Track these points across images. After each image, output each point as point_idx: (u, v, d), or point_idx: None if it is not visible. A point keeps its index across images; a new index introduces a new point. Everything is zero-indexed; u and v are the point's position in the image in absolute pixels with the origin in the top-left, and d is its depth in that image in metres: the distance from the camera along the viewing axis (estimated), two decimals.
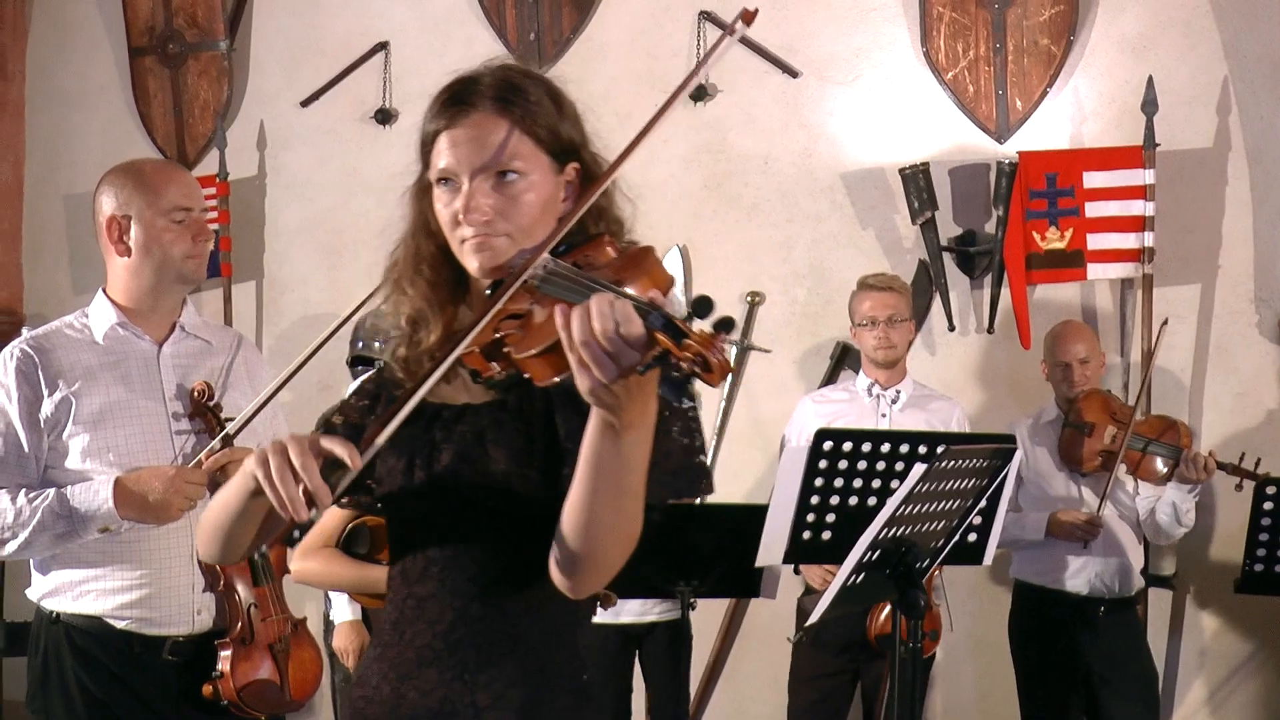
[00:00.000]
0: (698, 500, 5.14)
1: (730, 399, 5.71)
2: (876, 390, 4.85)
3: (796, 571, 4.75)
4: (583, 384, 1.57)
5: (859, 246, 5.59)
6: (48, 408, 3.12)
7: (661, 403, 1.70)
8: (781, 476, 3.51)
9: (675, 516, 4.52)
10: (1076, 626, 4.76)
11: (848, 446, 3.42)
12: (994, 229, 5.35)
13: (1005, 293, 5.33)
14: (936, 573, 4.53)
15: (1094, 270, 5.20)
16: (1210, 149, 5.25)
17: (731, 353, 5.68)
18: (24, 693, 3.28)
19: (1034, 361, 5.05)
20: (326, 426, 2.05)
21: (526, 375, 1.72)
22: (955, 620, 5.01)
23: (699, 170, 5.82)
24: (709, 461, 5.63)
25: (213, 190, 6.09)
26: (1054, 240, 5.20)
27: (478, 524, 1.92)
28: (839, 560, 3.13)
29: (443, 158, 1.90)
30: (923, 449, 3.41)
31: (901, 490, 3.04)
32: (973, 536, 3.50)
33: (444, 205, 1.91)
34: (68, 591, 3.19)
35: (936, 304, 5.48)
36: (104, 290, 3.30)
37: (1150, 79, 5.11)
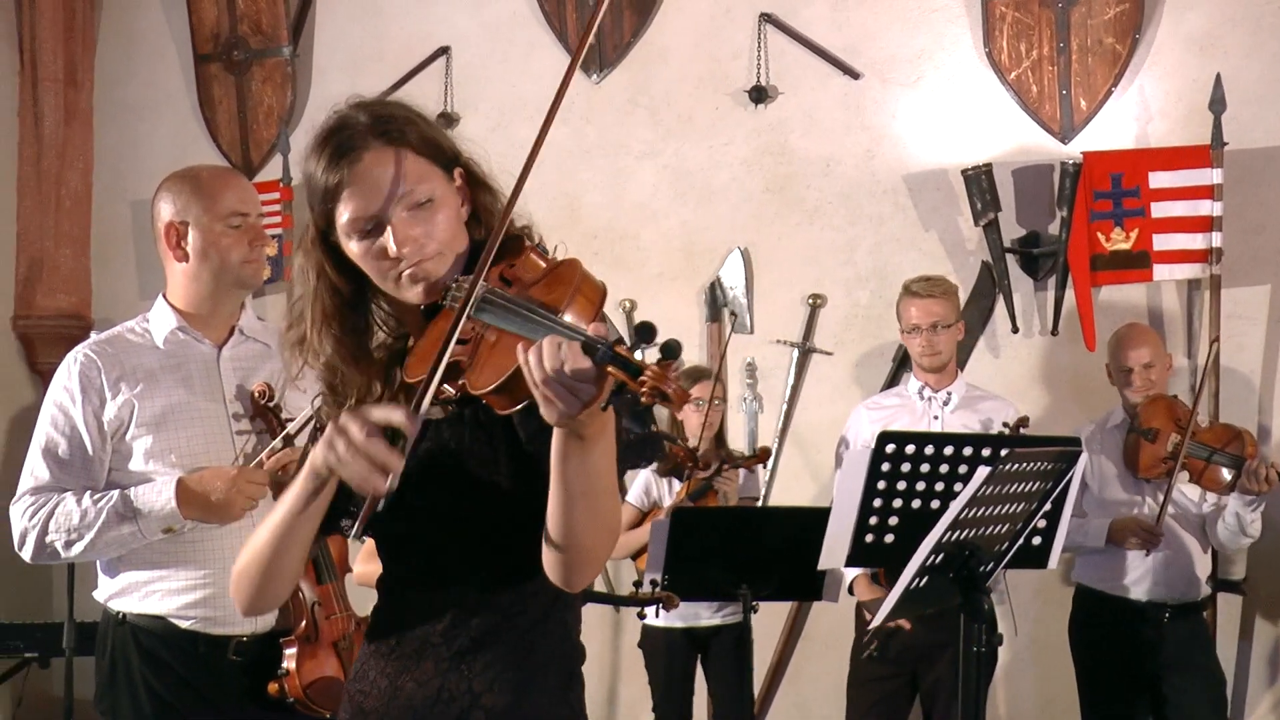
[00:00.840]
0: (757, 502, 5.16)
1: (792, 402, 5.70)
2: (928, 393, 4.82)
3: (851, 591, 4.73)
4: (549, 416, 1.66)
5: (922, 249, 5.56)
6: (111, 411, 3.16)
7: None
8: (844, 479, 3.50)
9: (738, 520, 4.53)
10: (1139, 632, 4.69)
11: (910, 449, 3.39)
12: (1058, 230, 5.31)
13: (1069, 294, 5.27)
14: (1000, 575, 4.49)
15: (1160, 271, 5.14)
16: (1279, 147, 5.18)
17: (793, 355, 5.67)
18: (93, 693, 3.32)
19: (1098, 364, 4.99)
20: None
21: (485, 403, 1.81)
22: (1018, 624, 4.96)
23: (761, 173, 5.81)
24: (771, 465, 5.64)
25: (276, 195, 6.15)
26: (1119, 241, 5.14)
27: (460, 532, 1.98)
28: (902, 563, 3.11)
29: (355, 208, 1.91)
30: (986, 451, 3.37)
31: (965, 493, 3.01)
32: (1037, 540, 3.46)
33: (365, 252, 1.92)
34: (133, 592, 3.22)
35: (1000, 306, 5.44)
36: (164, 295, 3.34)
37: (1218, 77, 5.04)
